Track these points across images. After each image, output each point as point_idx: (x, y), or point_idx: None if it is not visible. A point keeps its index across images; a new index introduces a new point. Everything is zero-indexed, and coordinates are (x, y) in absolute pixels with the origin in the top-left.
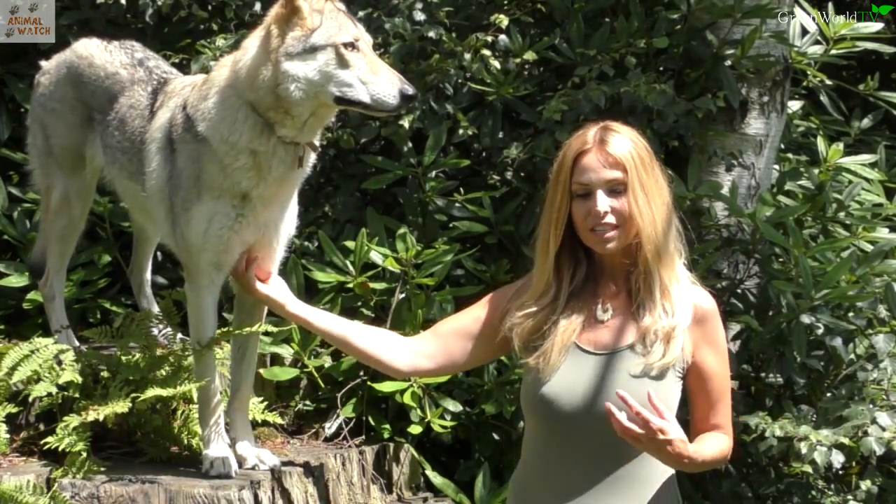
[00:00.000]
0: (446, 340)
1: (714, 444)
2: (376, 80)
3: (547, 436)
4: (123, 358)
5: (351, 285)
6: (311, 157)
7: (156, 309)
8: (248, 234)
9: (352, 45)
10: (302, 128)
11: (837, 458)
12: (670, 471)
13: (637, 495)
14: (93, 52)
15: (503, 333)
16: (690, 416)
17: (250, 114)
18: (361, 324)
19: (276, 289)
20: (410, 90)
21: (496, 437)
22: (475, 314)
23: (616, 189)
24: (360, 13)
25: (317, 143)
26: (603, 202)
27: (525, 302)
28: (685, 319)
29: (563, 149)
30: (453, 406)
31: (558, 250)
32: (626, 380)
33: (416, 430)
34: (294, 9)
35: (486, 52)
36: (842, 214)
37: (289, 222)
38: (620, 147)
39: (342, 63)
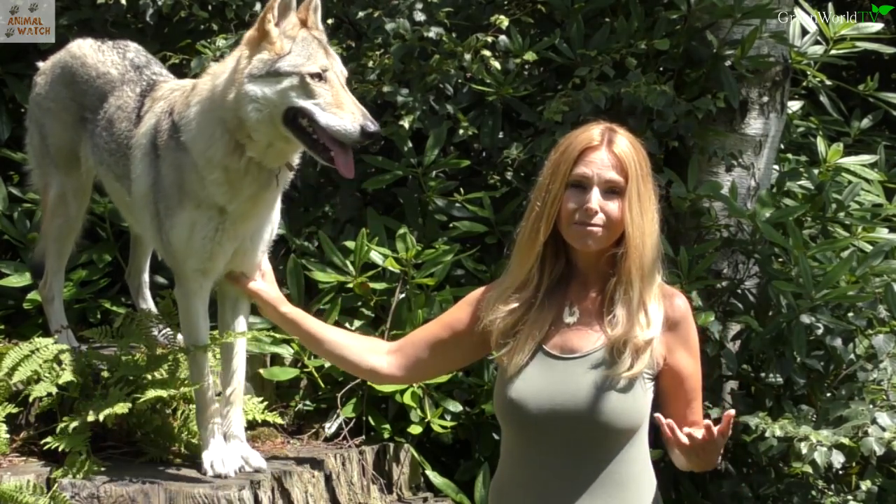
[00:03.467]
0: (419, 351)
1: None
2: (338, 113)
3: (518, 440)
4: (123, 358)
5: (351, 285)
6: (288, 176)
7: (155, 310)
8: (228, 246)
9: (318, 76)
10: (265, 152)
11: (837, 459)
12: (650, 472)
13: (616, 499)
14: (86, 51)
15: (481, 335)
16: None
17: (225, 131)
18: (346, 332)
19: (269, 289)
20: (372, 127)
21: (496, 437)
22: (447, 322)
23: (612, 191)
24: (360, 13)
25: (294, 163)
26: (597, 199)
27: (506, 294)
28: (657, 332)
29: (565, 141)
30: (453, 406)
31: (544, 243)
32: (593, 389)
33: (416, 430)
34: (264, 33)
35: (487, 53)
36: (842, 214)
37: (269, 233)
38: (627, 152)
39: (306, 91)
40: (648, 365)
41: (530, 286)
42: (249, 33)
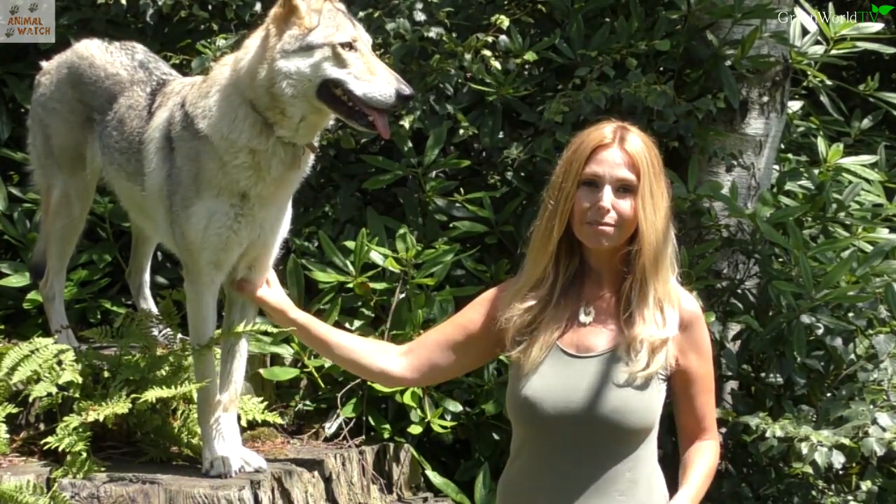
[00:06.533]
0: (431, 353)
1: (703, 463)
2: (372, 80)
3: (531, 438)
4: (123, 358)
5: (351, 285)
6: (310, 159)
7: (155, 310)
8: (245, 234)
9: (349, 46)
10: (297, 129)
11: (838, 459)
12: (660, 472)
13: (627, 497)
14: (94, 52)
15: (496, 334)
16: (677, 419)
17: (250, 112)
18: (356, 336)
19: (277, 295)
20: (407, 90)
21: (496, 437)
22: (460, 323)
23: (624, 189)
24: (361, 13)
25: (316, 144)
26: (609, 198)
27: (522, 292)
28: (673, 332)
29: (578, 139)
30: (453, 406)
31: (558, 241)
32: (609, 388)
33: (416, 430)
34: (292, 8)
35: (487, 53)
36: (842, 214)
37: (284, 224)
38: (639, 150)
39: (338, 62)
40: (663, 365)
41: (546, 284)
42: (275, 11)
